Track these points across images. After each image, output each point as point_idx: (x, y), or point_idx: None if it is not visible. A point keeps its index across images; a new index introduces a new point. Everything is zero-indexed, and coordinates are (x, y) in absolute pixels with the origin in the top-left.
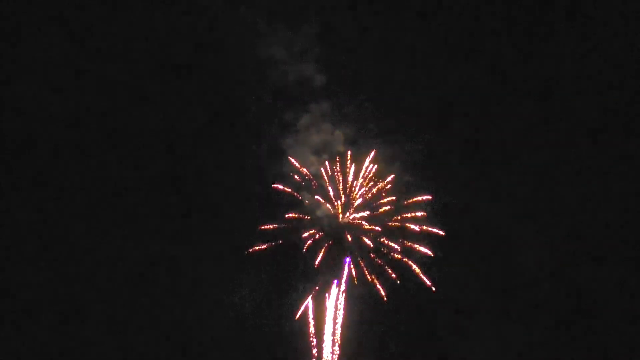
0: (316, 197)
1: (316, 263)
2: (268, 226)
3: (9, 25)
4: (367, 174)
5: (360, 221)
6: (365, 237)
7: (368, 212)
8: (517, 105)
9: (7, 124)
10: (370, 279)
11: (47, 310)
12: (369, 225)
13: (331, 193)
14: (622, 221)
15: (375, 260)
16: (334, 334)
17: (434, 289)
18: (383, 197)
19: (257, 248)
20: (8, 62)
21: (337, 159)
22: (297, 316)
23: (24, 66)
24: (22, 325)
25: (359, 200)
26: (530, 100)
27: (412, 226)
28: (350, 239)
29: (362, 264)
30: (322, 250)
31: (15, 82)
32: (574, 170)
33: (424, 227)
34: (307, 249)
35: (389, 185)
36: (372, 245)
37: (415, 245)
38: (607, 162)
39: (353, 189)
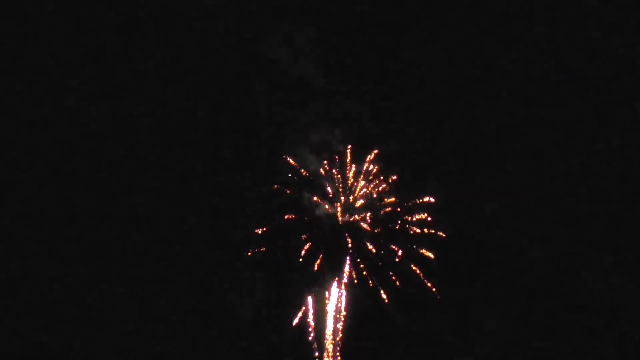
0: (315, 197)
1: (316, 265)
2: (267, 227)
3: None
4: (367, 174)
5: (360, 222)
6: (366, 238)
7: (369, 214)
8: (520, 106)
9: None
10: (371, 281)
11: (49, 310)
12: (370, 226)
13: (331, 194)
14: (625, 223)
15: (376, 262)
16: (334, 336)
17: (434, 290)
18: (384, 199)
19: (256, 250)
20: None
21: (337, 159)
22: (297, 318)
23: (23, 67)
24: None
25: (360, 202)
26: (532, 100)
27: (414, 228)
28: (350, 241)
29: (362, 265)
30: (322, 251)
31: (15, 82)
32: (577, 172)
33: (426, 230)
34: (306, 251)
35: (390, 187)
36: (372, 247)
37: (417, 247)
38: (608, 162)
39: (353, 189)
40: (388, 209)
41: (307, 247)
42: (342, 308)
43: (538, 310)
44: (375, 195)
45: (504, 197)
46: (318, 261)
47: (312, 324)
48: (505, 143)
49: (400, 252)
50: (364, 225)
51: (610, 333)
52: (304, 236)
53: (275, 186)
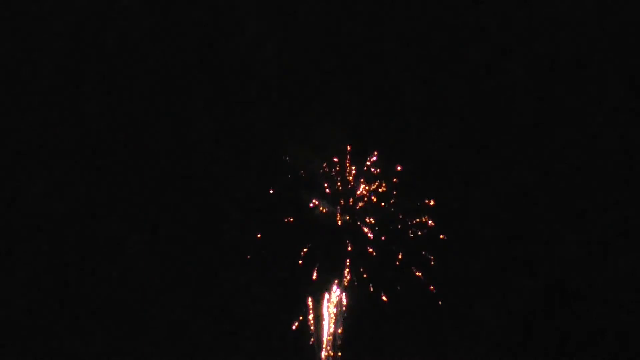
0: (315, 199)
1: (316, 266)
2: (266, 228)
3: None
4: (368, 175)
5: (360, 224)
6: (366, 240)
7: (369, 215)
8: (521, 107)
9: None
10: (370, 283)
11: (50, 308)
12: (370, 228)
13: (331, 195)
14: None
15: (375, 263)
16: (334, 337)
17: (434, 290)
18: (384, 200)
19: (255, 251)
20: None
21: (337, 160)
22: (297, 319)
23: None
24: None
25: (360, 203)
26: (534, 101)
27: (414, 229)
28: (350, 242)
29: (362, 267)
30: (322, 253)
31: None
32: (577, 172)
33: (426, 231)
34: (306, 253)
35: (391, 188)
36: (372, 248)
37: (418, 249)
38: (609, 163)
39: (354, 190)
40: (389, 210)
41: (306, 249)
42: (342, 310)
43: (539, 310)
44: (374, 197)
45: (503, 197)
46: (318, 262)
47: (311, 326)
48: (505, 143)
49: (400, 254)
50: (364, 227)
51: (610, 333)
52: (303, 237)
53: (275, 187)
